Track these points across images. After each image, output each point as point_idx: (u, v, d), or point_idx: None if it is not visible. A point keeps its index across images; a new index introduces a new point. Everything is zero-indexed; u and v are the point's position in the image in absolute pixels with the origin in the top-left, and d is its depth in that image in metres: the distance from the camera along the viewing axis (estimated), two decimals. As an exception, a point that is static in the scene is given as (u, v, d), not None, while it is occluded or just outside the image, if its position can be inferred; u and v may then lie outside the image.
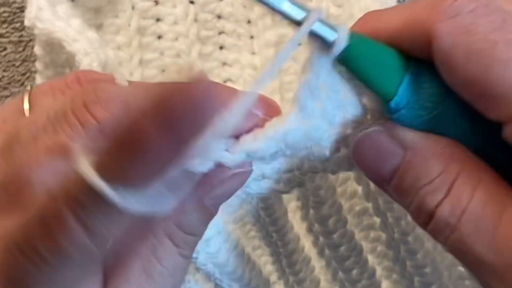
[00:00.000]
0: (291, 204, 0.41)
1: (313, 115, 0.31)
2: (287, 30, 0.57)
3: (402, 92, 0.30)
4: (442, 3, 0.28)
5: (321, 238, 0.42)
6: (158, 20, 0.58)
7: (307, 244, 0.43)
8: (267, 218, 0.39)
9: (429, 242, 0.47)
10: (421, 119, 0.31)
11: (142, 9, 0.56)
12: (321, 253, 0.43)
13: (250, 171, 0.33)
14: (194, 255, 0.37)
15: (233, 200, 0.37)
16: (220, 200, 0.32)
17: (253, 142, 0.31)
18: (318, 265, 0.44)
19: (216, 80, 0.56)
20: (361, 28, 0.31)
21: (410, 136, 0.30)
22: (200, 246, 0.37)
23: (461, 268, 0.48)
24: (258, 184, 0.35)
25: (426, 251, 0.45)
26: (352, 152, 0.32)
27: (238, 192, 0.35)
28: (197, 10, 0.58)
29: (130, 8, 0.57)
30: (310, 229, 0.42)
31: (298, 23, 0.29)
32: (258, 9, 0.57)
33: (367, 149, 0.31)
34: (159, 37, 0.57)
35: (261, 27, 0.57)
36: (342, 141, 0.33)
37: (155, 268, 0.32)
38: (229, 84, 0.57)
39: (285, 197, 0.40)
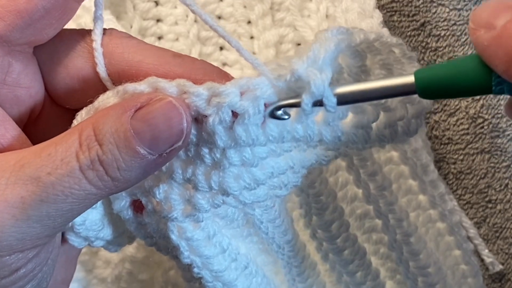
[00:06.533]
0: (294, 212, 0.42)
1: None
2: (287, 31, 0.57)
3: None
4: None
5: (324, 244, 0.42)
6: (158, 20, 0.57)
7: (311, 249, 0.43)
8: (276, 230, 0.39)
9: (431, 243, 0.47)
10: None
11: (142, 10, 0.56)
12: (325, 258, 0.44)
13: (171, 102, 0.32)
14: (196, 270, 0.37)
15: (235, 214, 0.37)
16: (144, 128, 0.31)
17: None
18: (322, 269, 0.45)
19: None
20: None
21: None
22: (202, 263, 0.37)
23: (464, 267, 0.49)
24: (252, 192, 0.35)
25: (428, 252, 0.46)
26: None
27: (234, 202, 0.35)
28: (197, 11, 0.58)
29: (132, 9, 0.56)
30: (313, 235, 0.42)
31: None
32: (258, 10, 0.57)
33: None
34: (160, 37, 0.57)
35: (261, 28, 0.57)
36: (381, 106, 0.33)
37: None
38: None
39: (288, 206, 0.40)
